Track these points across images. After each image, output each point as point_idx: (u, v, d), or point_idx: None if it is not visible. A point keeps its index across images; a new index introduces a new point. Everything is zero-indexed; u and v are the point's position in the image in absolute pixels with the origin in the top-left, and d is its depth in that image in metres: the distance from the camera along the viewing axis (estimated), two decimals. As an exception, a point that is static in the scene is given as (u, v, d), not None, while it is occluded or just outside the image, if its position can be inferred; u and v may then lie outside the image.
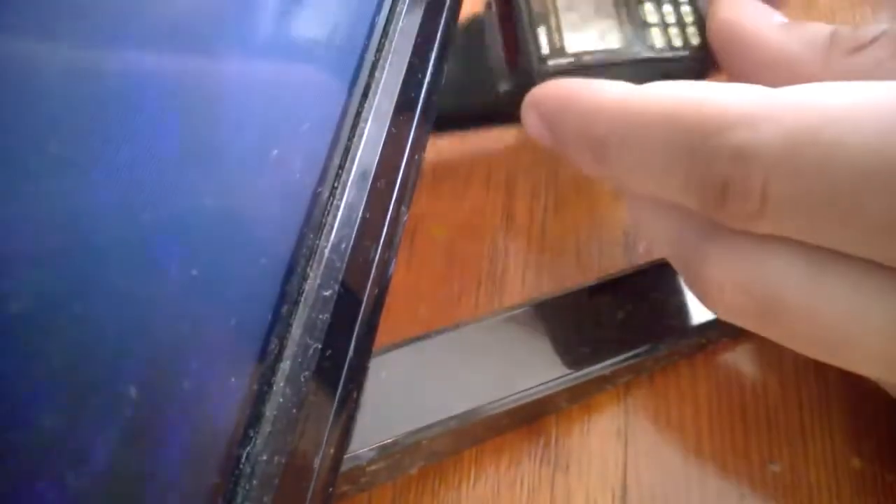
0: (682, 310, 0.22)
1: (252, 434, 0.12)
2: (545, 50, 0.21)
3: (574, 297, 0.22)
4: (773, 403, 0.21)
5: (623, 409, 0.22)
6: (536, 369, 0.20)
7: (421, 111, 0.17)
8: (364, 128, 0.15)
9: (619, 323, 0.21)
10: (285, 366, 0.13)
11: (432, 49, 0.18)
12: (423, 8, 0.17)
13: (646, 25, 0.21)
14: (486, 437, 0.21)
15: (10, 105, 0.10)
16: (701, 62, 0.21)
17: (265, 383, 0.13)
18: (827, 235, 0.13)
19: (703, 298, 0.17)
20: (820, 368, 0.22)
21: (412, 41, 0.17)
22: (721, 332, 0.22)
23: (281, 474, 0.12)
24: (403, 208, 0.17)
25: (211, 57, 0.13)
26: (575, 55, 0.21)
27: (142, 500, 0.11)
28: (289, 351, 0.13)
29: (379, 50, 0.16)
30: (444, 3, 0.18)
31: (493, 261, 0.25)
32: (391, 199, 0.16)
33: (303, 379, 0.13)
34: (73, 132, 0.10)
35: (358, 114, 0.16)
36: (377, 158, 0.15)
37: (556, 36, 0.21)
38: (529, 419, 0.21)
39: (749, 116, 0.13)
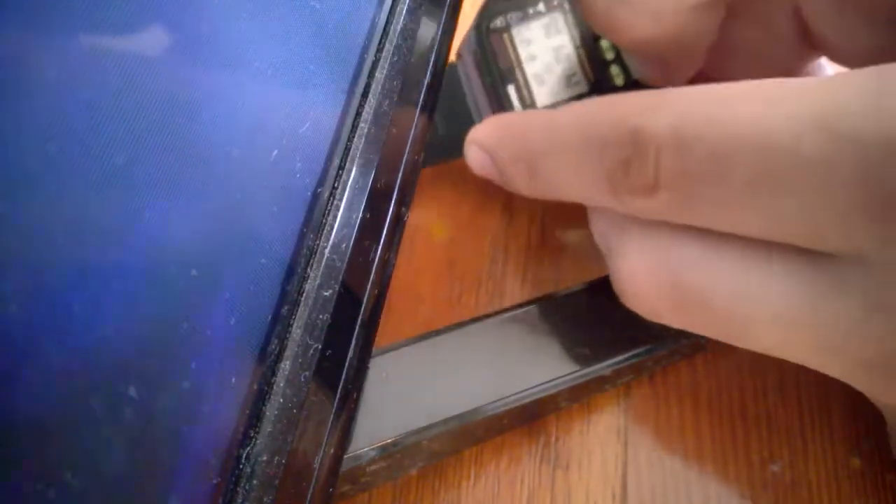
0: (682, 310, 0.22)
1: (252, 434, 0.12)
2: (517, 107, 0.22)
3: (574, 297, 0.22)
4: (773, 403, 0.21)
5: (623, 408, 0.22)
6: (536, 369, 0.20)
7: (421, 111, 0.17)
8: (364, 128, 0.15)
9: (619, 323, 0.21)
10: (285, 366, 0.13)
11: (433, 49, 0.18)
12: (423, 7, 0.17)
13: (607, 64, 0.22)
14: (486, 437, 0.21)
15: (7, 108, 0.10)
16: None
17: (265, 383, 0.13)
18: (711, 208, 0.15)
19: (623, 292, 0.18)
20: (820, 368, 0.22)
21: (413, 41, 0.17)
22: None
23: (281, 474, 0.12)
24: (403, 208, 0.17)
25: (212, 57, 0.13)
26: (546, 108, 0.22)
27: (142, 501, 0.11)
28: (289, 351, 0.13)
29: (379, 50, 0.16)
30: (444, 3, 0.18)
31: (493, 261, 0.24)
32: (391, 199, 0.16)
33: (303, 379, 0.13)
34: (70, 134, 0.10)
35: (358, 114, 0.16)
36: (377, 158, 0.15)
37: (524, 91, 0.22)
38: (529, 419, 0.21)
39: (647, 106, 0.16)
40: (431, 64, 0.18)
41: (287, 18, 0.15)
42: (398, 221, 0.16)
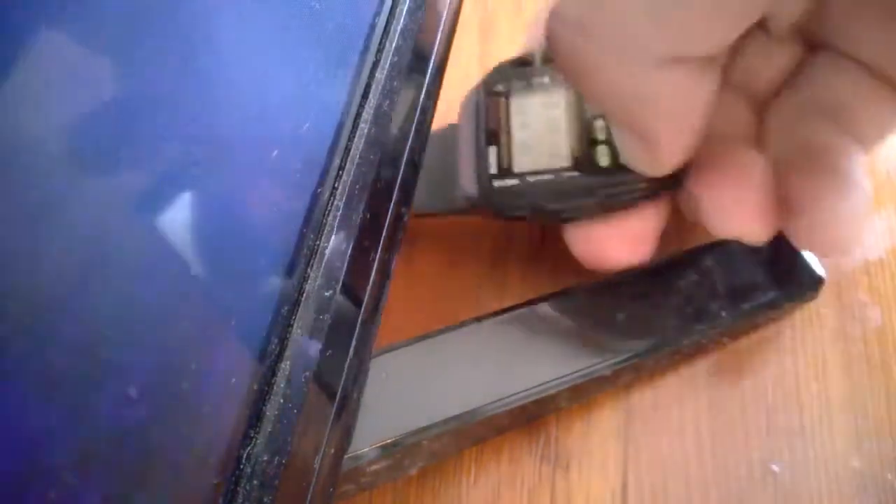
0: (682, 310, 0.22)
1: (252, 434, 0.12)
2: (493, 170, 0.21)
3: (574, 297, 0.22)
4: (773, 403, 0.21)
5: (623, 409, 0.22)
6: (536, 369, 0.20)
7: (421, 111, 0.17)
8: (364, 128, 0.15)
9: (619, 323, 0.21)
10: (285, 366, 0.13)
11: (433, 49, 0.18)
12: (423, 8, 0.17)
13: (595, 143, 0.21)
14: (486, 437, 0.21)
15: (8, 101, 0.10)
16: (648, 183, 0.20)
17: (265, 383, 0.13)
18: None
19: None
20: (821, 367, 0.22)
21: (413, 41, 0.17)
22: (721, 332, 0.22)
23: (281, 474, 0.12)
24: (403, 208, 0.17)
25: (212, 58, 0.13)
26: (520, 175, 0.21)
27: (143, 501, 0.11)
28: (289, 351, 0.13)
29: (379, 50, 0.16)
30: (445, 3, 0.18)
31: (493, 261, 0.25)
32: (391, 199, 0.16)
33: (303, 379, 0.13)
34: (74, 133, 0.10)
35: (358, 114, 0.16)
36: (377, 158, 0.15)
37: (505, 156, 0.21)
38: (529, 419, 0.21)
39: None
40: (431, 64, 0.18)
41: (287, 19, 0.15)
42: (398, 221, 0.16)
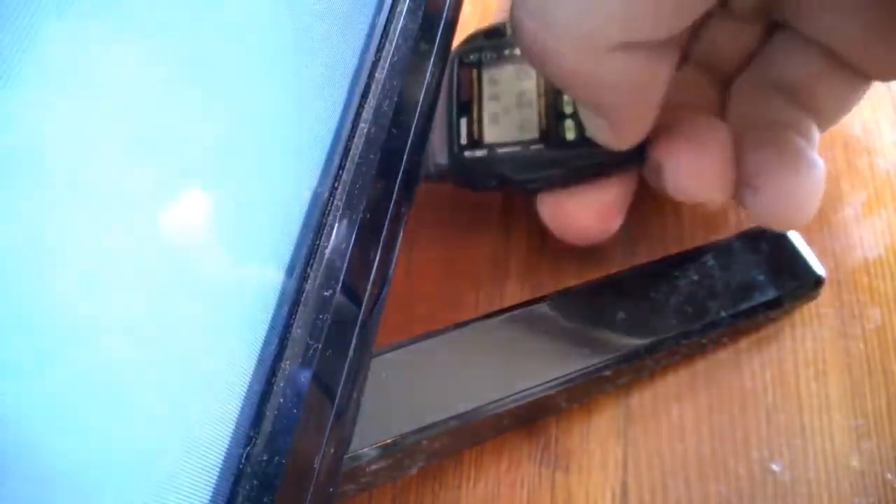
0: (682, 310, 0.22)
1: (252, 434, 0.12)
2: (463, 140, 0.22)
3: (574, 297, 0.22)
4: (773, 403, 0.21)
5: (623, 409, 0.22)
6: (536, 369, 0.20)
7: (421, 112, 0.17)
8: (364, 128, 0.15)
9: (619, 323, 0.21)
10: (285, 366, 0.13)
11: (433, 49, 0.18)
12: (423, 7, 0.17)
13: (562, 117, 0.21)
14: (486, 438, 0.21)
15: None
16: (612, 156, 0.20)
17: (265, 383, 0.13)
18: None
19: None
20: (821, 367, 0.22)
21: (413, 41, 0.17)
22: (721, 332, 0.22)
23: (281, 474, 0.12)
24: (404, 208, 0.17)
25: (212, 58, 0.13)
26: (489, 147, 0.22)
27: (142, 501, 0.11)
28: (289, 351, 0.13)
29: (379, 50, 0.16)
30: (444, 3, 0.18)
31: (493, 261, 0.24)
32: (391, 199, 0.16)
33: (303, 379, 0.13)
34: (74, 134, 0.10)
35: (358, 114, 0.16)
36: (377, 158, 0.15)
37: (475, 127, 0.22)
38: (529, 419, 0.21)
39: None
40: (431, 64, 0.18)
41: (287, 19, 0.15)
42: (398, 221, 0.16)
